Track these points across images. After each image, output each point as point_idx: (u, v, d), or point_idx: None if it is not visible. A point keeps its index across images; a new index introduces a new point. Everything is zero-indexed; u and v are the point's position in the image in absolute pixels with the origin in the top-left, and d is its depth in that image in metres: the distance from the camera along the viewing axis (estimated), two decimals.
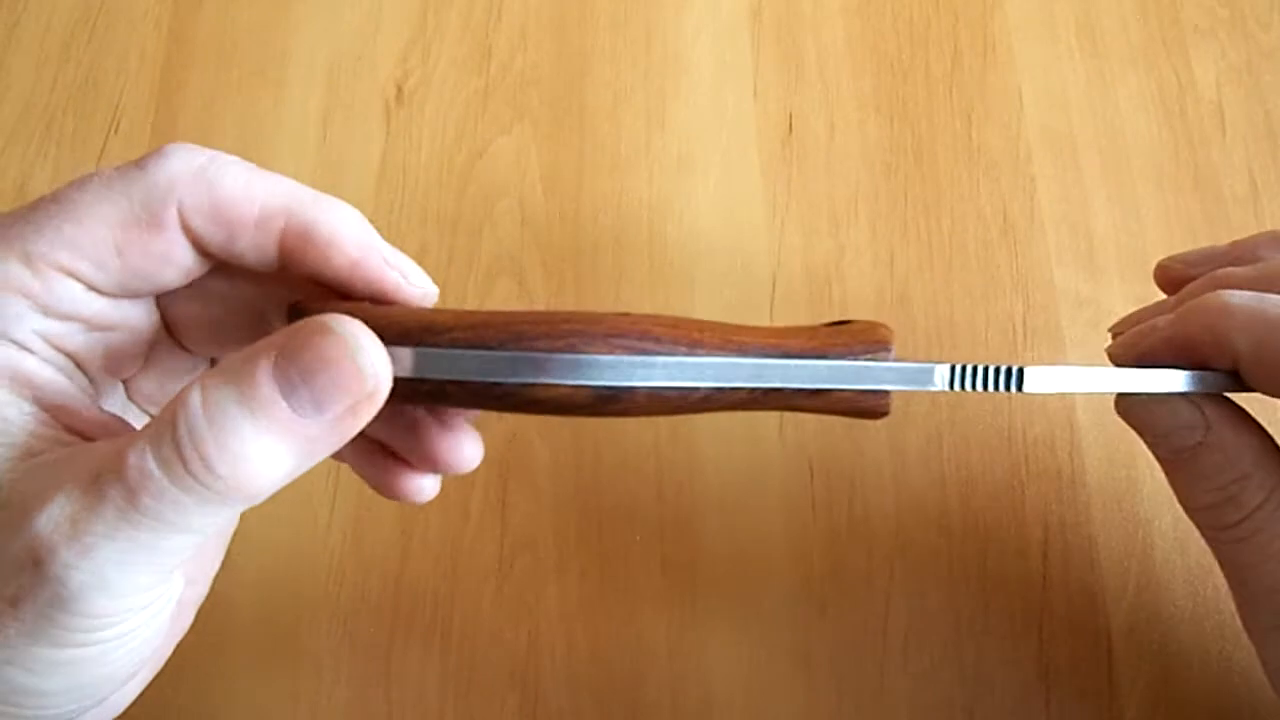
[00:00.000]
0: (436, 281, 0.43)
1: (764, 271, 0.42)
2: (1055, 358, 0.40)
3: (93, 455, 0.21)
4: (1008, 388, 0.26)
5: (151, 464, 0.20)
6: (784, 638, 0.37)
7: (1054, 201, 0.43)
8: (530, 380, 0.23)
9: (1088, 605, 0.37)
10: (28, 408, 0.22)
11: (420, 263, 0.44)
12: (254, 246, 0.24)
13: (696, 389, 0.23)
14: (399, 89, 0.46)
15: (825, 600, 0.38)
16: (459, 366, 0.23)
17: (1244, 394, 0.28)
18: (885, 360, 0.24)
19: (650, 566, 0.38)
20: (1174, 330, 0.28)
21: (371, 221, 0.46)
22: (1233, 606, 0.37)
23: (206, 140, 0.46)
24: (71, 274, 0.23)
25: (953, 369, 0.25)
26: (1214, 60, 0.45)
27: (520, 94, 0.46)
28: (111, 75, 0.47)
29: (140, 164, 0.23)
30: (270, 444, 0.21)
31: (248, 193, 0.24)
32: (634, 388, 0.23)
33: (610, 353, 0.23)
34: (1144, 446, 0.37)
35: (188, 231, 0.24)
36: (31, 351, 0.23)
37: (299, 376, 0.21)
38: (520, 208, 0.44)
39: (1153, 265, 0.42)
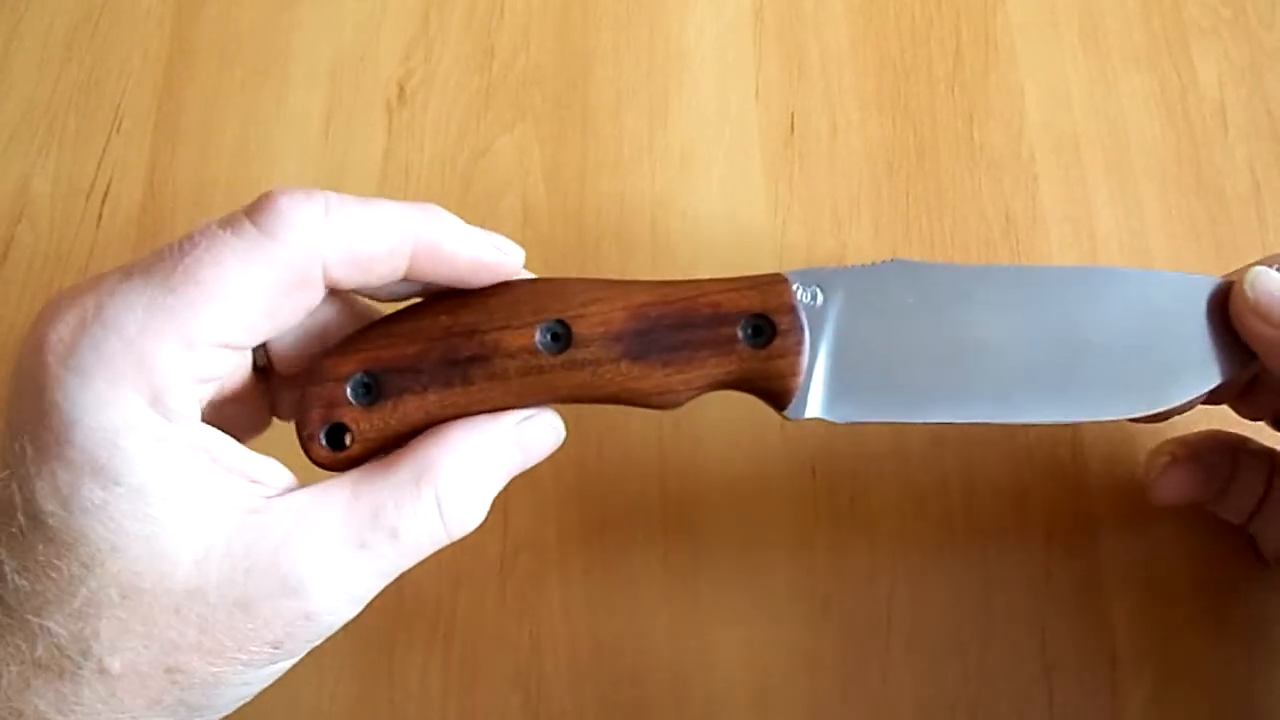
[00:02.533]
0: None
1: (766, 269, 0.42)
2: None
3: (334, 513, 0.25)
4: None
5: (421, 533, 0.26)
6: (787, 635, 0.37)
7: (1056, 200, 0.43)
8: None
9: (1091, 603, 0.37)
10: (226, 473, 0.25)
11: None
12: (383, 274, 0.26)
13: None
14: (401, 88, 0.46)
15: (829, 597, 0.38)
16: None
17: None
18: None
19: (653, 564, 0.38)
20: None
21: None
22: (1237, 602, 0.37)
23: (208, 140, 0.46)
24: (226, 346, 0.25)
25: None
26: (1216, 60, 0.45)
27: (523, 93, 0.46)
28: (114, 74, 0.47)
29: (263, 228, 0.24)
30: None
31: (377, 233, 0.26)
32: None
33: None
34: (1146, 442, 0.37)
35: (327, 280, 0.26)
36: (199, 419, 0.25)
37: (524, 458, 0.28)
38: (523, 206, 0.44)
39: (1155, 264, 0.42)
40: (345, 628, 0.37)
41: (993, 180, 0.43)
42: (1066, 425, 0.39)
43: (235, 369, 0.27)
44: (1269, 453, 0.34)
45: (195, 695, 0.24)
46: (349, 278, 0.26)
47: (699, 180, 0.44)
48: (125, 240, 0.44)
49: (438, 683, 0.37)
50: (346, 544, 0.25)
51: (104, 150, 0.46)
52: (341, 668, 0.38)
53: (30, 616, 0.23)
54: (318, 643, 0.26)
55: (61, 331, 0.23)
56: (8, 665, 0.23)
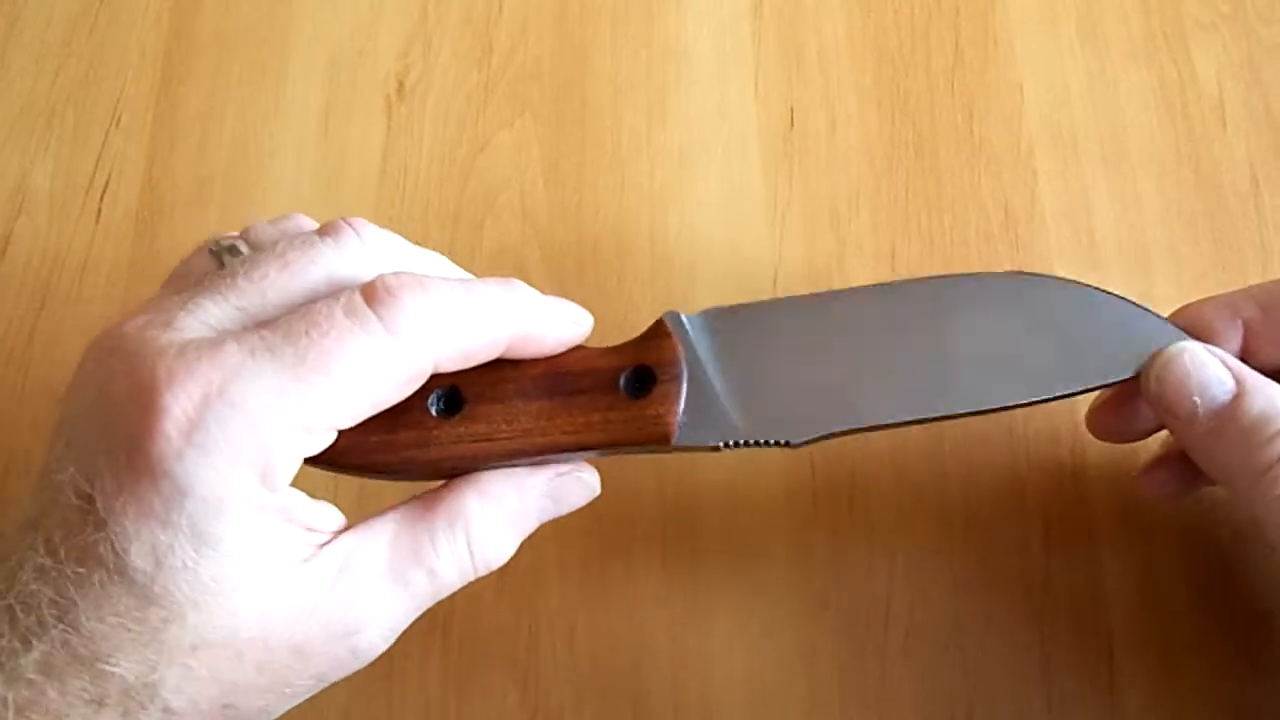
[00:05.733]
0: None
1: (765, 265, 0.42)
2: None
3: (379, 555, 0.27)
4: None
5: (453, 572, 0.28)
6: (785, 630, 0.37)
7: (1055, 196, 0.43)
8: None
9: (1089, 598, 0.37)
10: (295, 529, 0.26)
11: None
12: (480, 361, 0.28)
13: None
14: (400, 84, 0.46)
15: (826, 593, 0.38)
16: None
17: None
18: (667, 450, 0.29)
19: (651, 560, 0.38)
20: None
21: (373, 217, 0.46)
22: (1235, 599, 0.37)
23: (206, 135, 0.46)
24: (334, 430, 0.26)
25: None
26: (1215, 55, 0.45)
27: (521, 88, 0.46)
28: (113, 70, 0.47)
29: (389, 325, 0.25)
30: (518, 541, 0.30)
31: (482, 330, 0.27)
32: None
33: None
34: (1145, 439, 0.37)
35: (433, 371, 0.27)
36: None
37: (556, 508, 0.30)
38: (521, 202, 0.44)
39: (1153, 259, 0.42)
40: None
41: (992, 176, 0.43)
42: (1059, 424, 0.39)
43: None
44: None
45: None
46: (452, 369, 0.28)
47: (697, 176, 0.44)
48: (124, 235, 0.44)
49: (435, 677, 0.37)
50: (390, 582, 0.27)
51: (102, 145, 0.46)
52: None
53: (100, 664, 0.24)
54: (351, 672, 0.28)
55: (185, 404, 0.24)
56: (75, 706, 0.24)
